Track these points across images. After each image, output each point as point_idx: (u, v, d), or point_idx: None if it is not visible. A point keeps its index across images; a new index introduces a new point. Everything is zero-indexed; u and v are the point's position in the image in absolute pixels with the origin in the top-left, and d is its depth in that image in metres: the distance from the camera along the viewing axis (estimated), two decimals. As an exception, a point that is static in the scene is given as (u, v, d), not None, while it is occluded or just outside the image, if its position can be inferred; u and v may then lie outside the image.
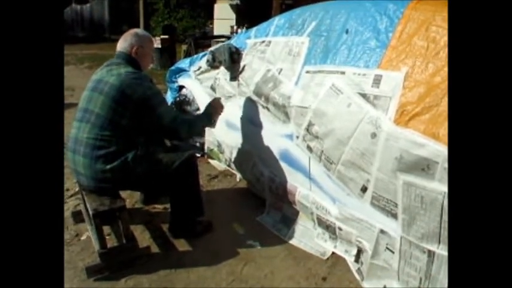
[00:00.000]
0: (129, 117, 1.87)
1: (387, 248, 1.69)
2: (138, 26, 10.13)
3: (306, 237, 2.15)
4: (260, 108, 2.33)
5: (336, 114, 1.79)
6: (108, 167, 1.85)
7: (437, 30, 1.60)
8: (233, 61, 2.53)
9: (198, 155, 3.15)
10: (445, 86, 1.47)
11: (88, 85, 1.99)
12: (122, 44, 2.05)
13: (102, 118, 1.85)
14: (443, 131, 1.42)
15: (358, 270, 1.89)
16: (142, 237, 2.15)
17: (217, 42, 6.08)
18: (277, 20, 2.47)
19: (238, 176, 2.85)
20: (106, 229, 2.03)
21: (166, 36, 7.53)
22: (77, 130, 1.92)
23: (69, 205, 2.45)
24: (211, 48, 2.89)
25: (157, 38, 7.02)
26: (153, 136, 2.03)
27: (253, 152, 2.48)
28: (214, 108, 2.27)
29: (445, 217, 1.43)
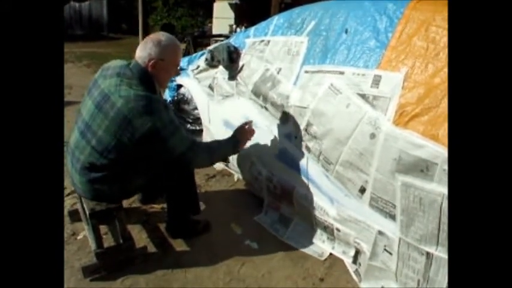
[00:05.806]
0: (134, 146, 1.71)
1: (385, 249, 1.69)
2: (136, 25, 10.12)
3: (304, 237, 2.14)
4: (258, 108, 2.32)
5: (335, 115, 1.79)
6: (106, 187, 1.80)
7: (437, 31, 1.59)
8: (232, 60, 2.51)
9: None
10: (444, 87, 1.47)
11: (93, 91, 1.79)
12: (141, 52, 1.76)
13: (104, 144, 1.71)
14: (443, 132, 1.42)
15: (356, 272, 1.89)
16: (140, 236, 2.14)
17: (216, 41, 6.07)
18: (277, 19, 2.46)
19: (236, 175, 2.85)
20: (103, 228, 2.02)
21: (165, 35, 7.50)
22: (76, 144, 1.80)
23: (66, 204, 2.43)
24: (210, 47, 2.87)
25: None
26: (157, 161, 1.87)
27: (251, 152, 2.47)
28: (243, 135, 2.11)
29: (444, 219, 1.42)
